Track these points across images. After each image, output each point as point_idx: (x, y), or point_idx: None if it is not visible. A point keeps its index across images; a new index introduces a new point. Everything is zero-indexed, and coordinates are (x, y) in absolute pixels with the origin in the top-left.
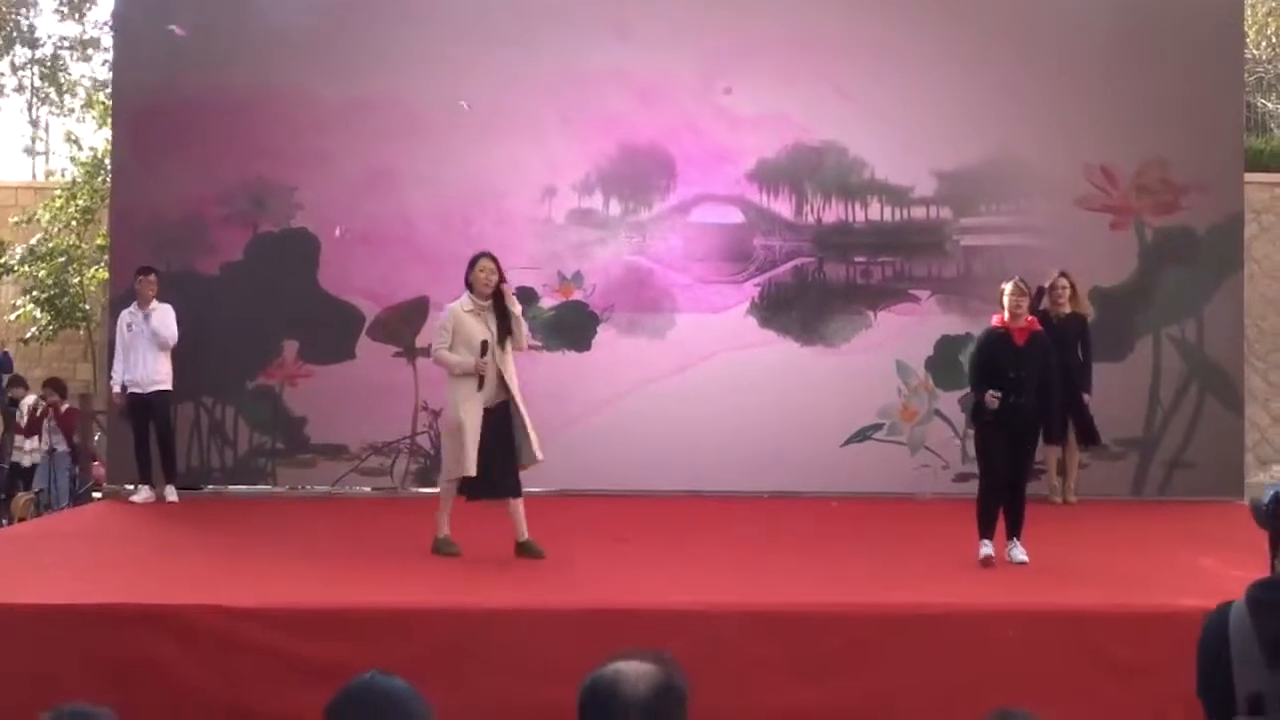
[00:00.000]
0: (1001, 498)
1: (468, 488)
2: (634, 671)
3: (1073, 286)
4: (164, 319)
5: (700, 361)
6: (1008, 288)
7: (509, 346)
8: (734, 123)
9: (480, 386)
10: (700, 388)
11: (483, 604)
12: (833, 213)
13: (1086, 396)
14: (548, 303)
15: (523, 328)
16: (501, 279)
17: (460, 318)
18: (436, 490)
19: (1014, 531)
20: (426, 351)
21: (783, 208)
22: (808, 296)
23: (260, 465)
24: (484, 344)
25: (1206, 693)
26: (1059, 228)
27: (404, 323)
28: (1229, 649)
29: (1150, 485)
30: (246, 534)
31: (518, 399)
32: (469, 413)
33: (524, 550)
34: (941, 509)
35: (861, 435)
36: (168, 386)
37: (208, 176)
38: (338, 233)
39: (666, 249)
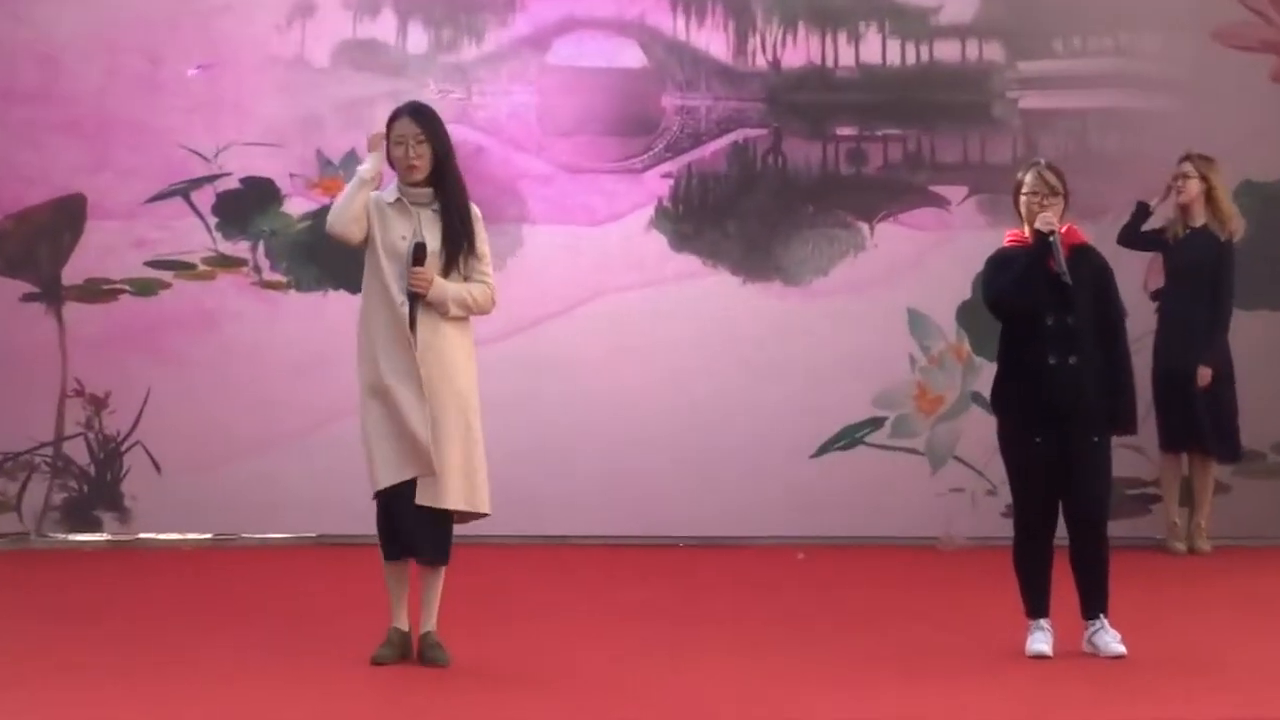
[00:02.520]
0: (1047, 542)
1: (386, 537)
2: None
3: (1206, 179)
4: None
5: (568, 310)
6: (1027, 179)
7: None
8: None
9: (412, 322)
10: (569, 355)
11: None
12: (799, 51)
13: (1205, 372)
14: (299, 206)
15: (486, 261)
16: (441, 152)
17: (383, 210)
18: (98, 537)
19: (1095, 605)
20: (75, 293)
21: (713, 41)
22: (755, 197)
23: None
24: (419, 246)
25: None
26: (1185, 80)
27: (41, 240)
28: None
29: None
30: None
31: (463, 391)
32: (394, 375)
33: (425, 650)
34: (982, 562)
35: (848, 439)
36: None
37: None
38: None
39: (509, 113)
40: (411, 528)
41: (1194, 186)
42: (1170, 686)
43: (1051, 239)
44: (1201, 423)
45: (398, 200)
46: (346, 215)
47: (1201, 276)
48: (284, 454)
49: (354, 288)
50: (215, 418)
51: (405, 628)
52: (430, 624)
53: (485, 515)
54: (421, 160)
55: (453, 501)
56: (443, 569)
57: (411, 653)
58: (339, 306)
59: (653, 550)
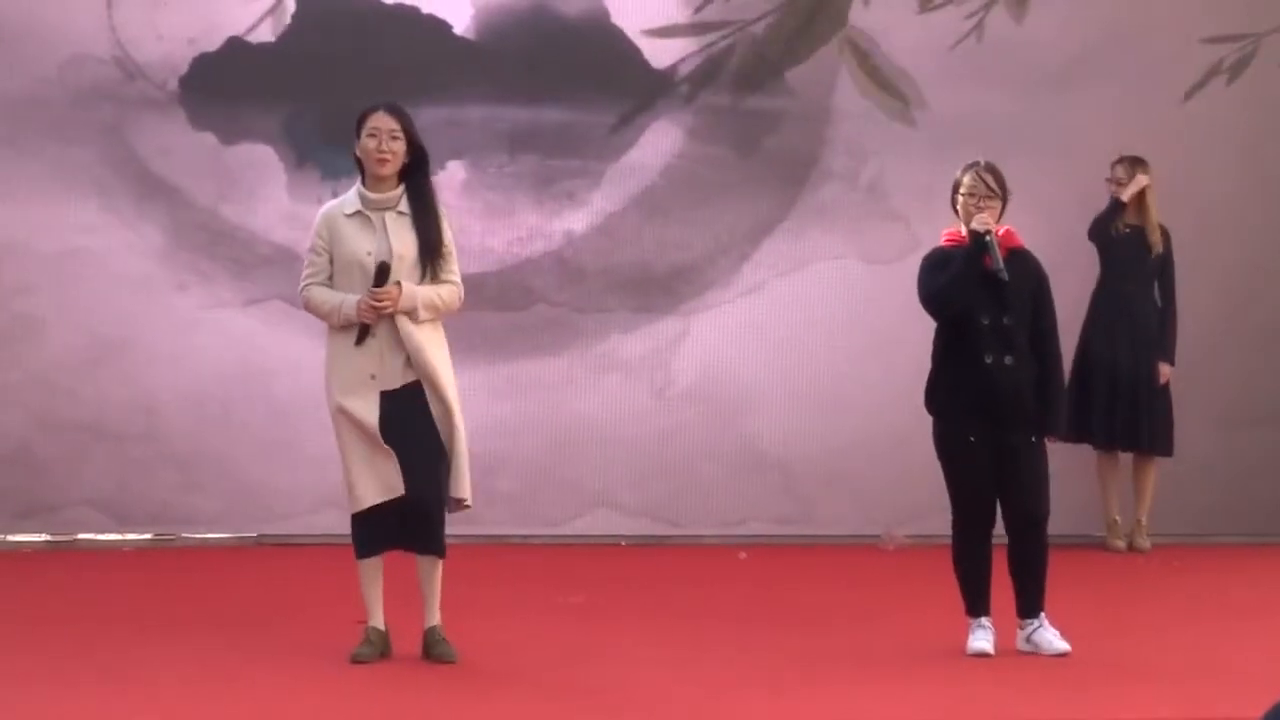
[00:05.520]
0: (987, 540)
1: (359, 536)
2: None
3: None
4: None
5: None
6: (965, 180)
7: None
8: None
9: (361, 338)
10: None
11: None
12: None
13: (1166, 369)
14: None
15: (453, 260)
16: (415, 154)
17: (337, 226)
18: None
19: (1033, 603)
20: None
21: None
22: None
23: None
24: (382, 266)
25: None
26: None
27: None
28: None
29: None
30: None
31: (440, 381)
32: (353, 394)
33: (431, 646)
34: (928, 562)
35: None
36: None
37: None
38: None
39: None
40: (401, 525)
41: (1130, 190)
42: (1112, 685)
43: (988, 238)
44: (1159, 419)
45: (357, 212)
46: (314, 313)
47: (1141, 274)
48: None
49: None
50: None
51: (383, 626)
52: (434, 619)
53: (468, 506)
54: (393, 155)
55: (470, 491)
56: (440, 562)
57: (390, 651)
58: None
59: (596, 549)
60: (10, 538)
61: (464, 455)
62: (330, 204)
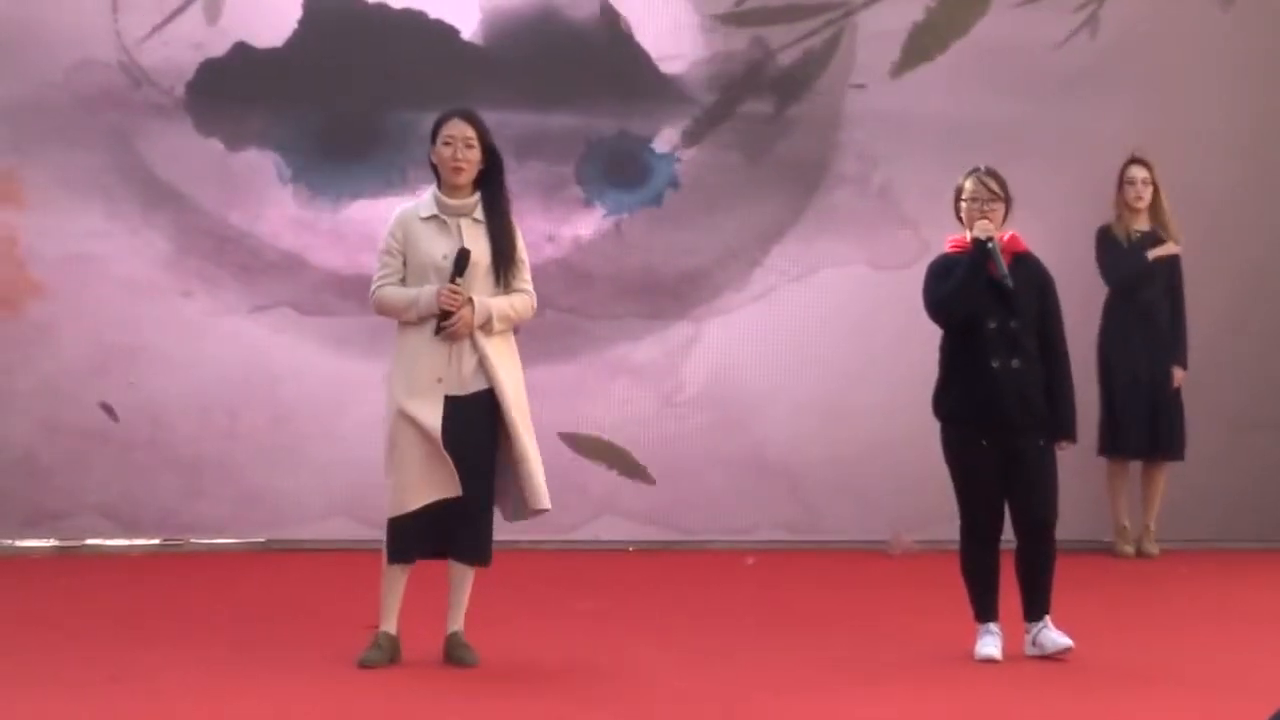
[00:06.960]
0: (995, 545)
1: (396, 540)
2: None
3: (1154, 184)
4: None
5: None
6: (967, 185)
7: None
8: None
9: (439, 329)
10: None
11: None
12: None
13: (1180, 372)
14: None
15: (525, 268)
16: (490, 160)
17: (412, 229)
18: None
19: (1039, 607)
20: None
21: None
22: None
23: None
24: (461, 254)
25: None
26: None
27: None
28: None
29: None
30: None
31: (508, 391)
32: (417, 395)
33: (453, 650)
34: (935, 567)
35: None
36: None
37: None
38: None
39: None
40: (448, 531)
41: (1148, 192)
42: (1120, 690)
43: (990, 245)
44: (1172, 423)
45: (433, 216)
46: (386, 313)
47: (1155, 281)
48: None
49: None
50: None
51: (395, 631)
52: (458, 624)
53: (547, 510)
54: (469, 163)
55: (548, 502)
56: (473, 571)
57: (400, 657)
58: None
59: (604, 555)
60: (18, 543)
61: (533, 461)
62: (405, 206)
